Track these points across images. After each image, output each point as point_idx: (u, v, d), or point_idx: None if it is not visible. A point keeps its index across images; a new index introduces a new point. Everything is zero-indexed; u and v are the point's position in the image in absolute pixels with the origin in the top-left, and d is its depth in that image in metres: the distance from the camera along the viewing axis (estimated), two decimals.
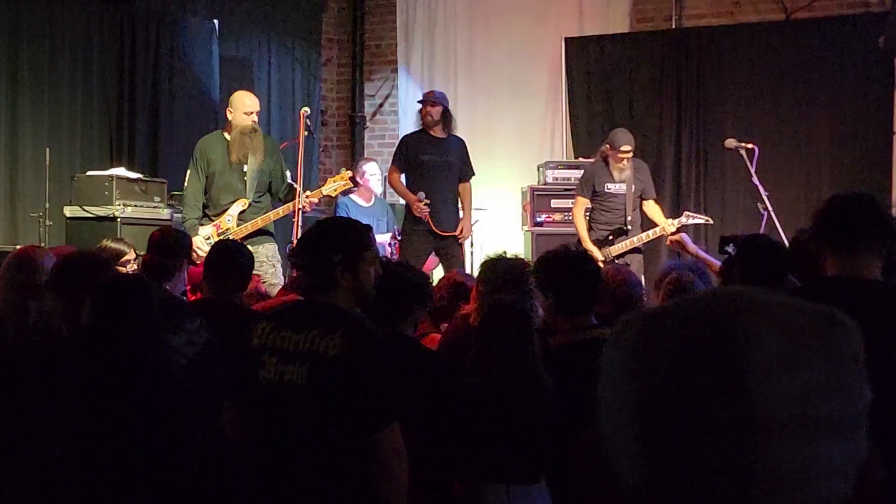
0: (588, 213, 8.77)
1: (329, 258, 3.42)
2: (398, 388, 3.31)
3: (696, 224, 8.44)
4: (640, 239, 8.53)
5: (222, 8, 10.71)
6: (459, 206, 9.10)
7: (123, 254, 6.60)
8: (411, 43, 11.60)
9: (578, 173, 9.83)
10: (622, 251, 8.47)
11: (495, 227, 10.44)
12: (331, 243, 3.48)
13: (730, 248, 4.89)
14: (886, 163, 9.14)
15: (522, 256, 4.92)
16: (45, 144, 8.92)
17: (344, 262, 3.42)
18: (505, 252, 4.81)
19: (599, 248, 8.46)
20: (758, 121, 9.71)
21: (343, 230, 3.58)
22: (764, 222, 8.34)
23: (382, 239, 8.78)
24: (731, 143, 8.67)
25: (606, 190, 8.62)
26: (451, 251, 8.82)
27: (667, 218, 8.53)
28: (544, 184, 9.84)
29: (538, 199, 9.75)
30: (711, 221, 8.52)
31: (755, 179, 8.33)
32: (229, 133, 7.94)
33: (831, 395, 0.97)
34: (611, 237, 8.57)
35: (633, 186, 8.59)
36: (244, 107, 7.88)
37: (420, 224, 8.73)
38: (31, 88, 9.15)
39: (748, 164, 8.46)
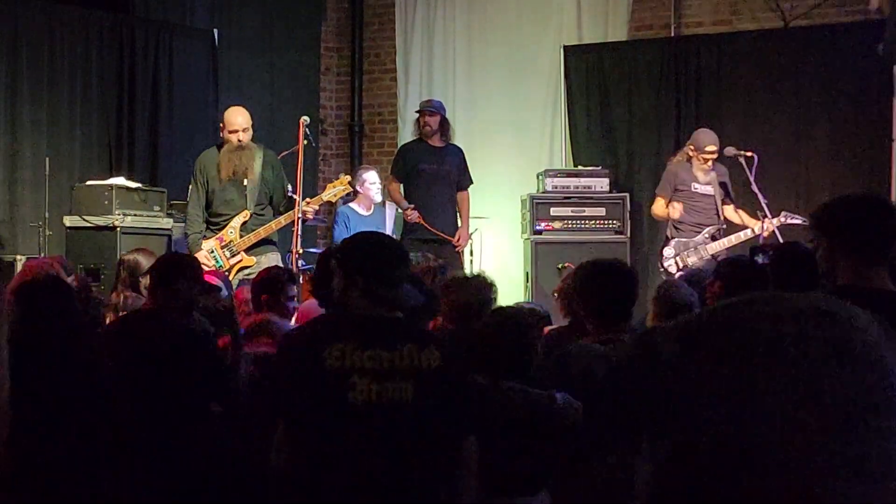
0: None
1: (402, 274, 3.51)
2: (478, 395, 3.56)
3: (794, 224, 8.28)
4: (737, 238, 8.46)
5: (221, 17, 10.72)
6: (458, 214, 9.12)
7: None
8: (410, 51, 11.61)
9: (578, 181, 9.85)
10: (718, 250, 8.42)
11: (495, 235, 10.44)
12: (401, 258, 3.57)
13: (759, 258, 4.89)
14: (885, 170, 9.14)
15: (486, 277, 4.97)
16: (45, 154, 8.91)
17: (404, 277, 3.53)
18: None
19: (694, 248, 8.43)
20: (757, 129, 9.71)
21: (399, 245, 3.75)
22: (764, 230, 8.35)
23: None
24: (730, 150, 8.67)
25: (694, 190, 8.59)
26: (448, 260, 8.81)
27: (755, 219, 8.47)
28: (544, 192, 9.83)
29: (538, 207, 9.74)
30: (808, 222, 8.41)
31: (755, 187, 8.34)
32: (223, 139, 8.00)
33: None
34: (706, 237, 8.53)
35: (718, 188, 8.59)
36: (229, 125, 7.91)
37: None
38: (31, 98, 9.15)
39: (747, 172, 8.46)
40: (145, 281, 6.48)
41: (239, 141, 7.88)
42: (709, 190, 8.58)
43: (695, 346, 1.02)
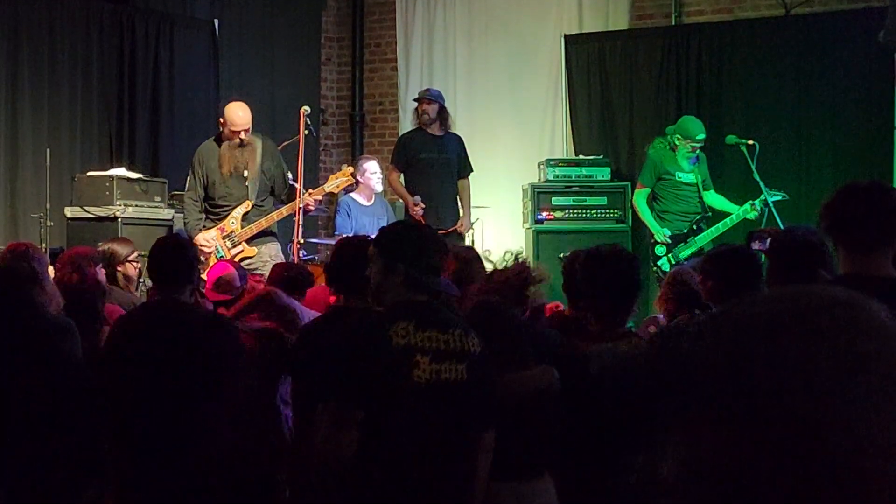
0: (652, 204, 8.73)
1: (441, 262, 3.65)
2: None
3: (774, 201, 8.33)
4: (724, 225, 8.49)
5: (222, 7, 10.71)
6: (459, 202, 9.13)
7: (132, 252, 6.62)
8: (411, 41, 11.59)
9: (579, 170, 9.85)
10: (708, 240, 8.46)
11: (496, 224, 10.44)
12: (440, 246, 3.68)
13: (756, 244, 4.87)
14: (887, 158, 9.13)
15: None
16: (46, 145, 8.91)
17: (442, 266, 3.67)
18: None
19: (684, 241, 8.45)
20: (758, 117, 9.70)
21: (437, 234, 3.86)
22: (765, 218, 8.35)
23: None
24: (731, 139, 8.68)
25: (678, 178, 8.59)
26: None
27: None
28: (545, 181, 9.83)
29: (539, 196, 9.74)
30: (787, 196, 8.44)
31: (756, 175, 8.34)
32: (223, 135, 7.98)
33: None
34: (694, 227, 8.54)
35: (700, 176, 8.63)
36: (232, 125, 7.88)
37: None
38: (31, 89, 9.14)
39: (749, 160, 8.46)
40: (123, 269, 6.49)
41: (240, 139, 7.88)
42: (692, 178, 8.60)
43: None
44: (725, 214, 8.62)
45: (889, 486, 0.90)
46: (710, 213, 8.67)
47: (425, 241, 3.62)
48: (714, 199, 8.73)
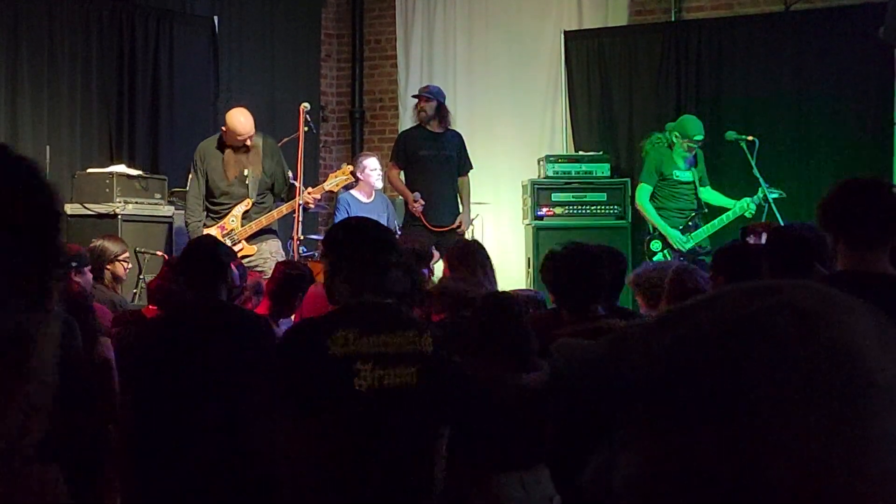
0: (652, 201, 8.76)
1: (387, 260, 3.48)
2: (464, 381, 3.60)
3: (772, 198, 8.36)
4: (720, 222, 8.51)
5: (221, 4, 10.70)
6: (459, 199, 9.14)
7: (123, 252, 6.61)
8: (410, 37, 11.59)
9: (579, 166, 9.84)
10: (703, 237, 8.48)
11: (496, 221, 10.44)
12: (386, 244, 3.53)
13: (751, 239, 4.87)
14: (887, 154, 9.13)
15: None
16: (45, 142, 8.91)
17: (392, 264, 3.49)
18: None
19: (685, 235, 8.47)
20: (758, 113, 9.70)
21: (385, 231, 3.73)
22: (765, 214, 8.35)
23: None
24: (731, 135, 8.68)
25: (675, 177, 8.61)
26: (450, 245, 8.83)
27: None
28: (545, 177, 9.83)
29: (539, 192, 9.74)
30: (784, 195, 8.46)
31: (756, 171, 8.33)
32: (226, 141, 7.96)
33: None
34: (690, 223, 8.56)
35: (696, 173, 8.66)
36: (235, 132, 7.86)
37: (418, 220, 8.78)
38: (31, 86, 9.14)
39: (748, 156, 8.46)
40: (112, 268, 6.45)
41: (246, 145, 7.89)
42: (688, 176, 8.61)
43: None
44: (722, 210, 8.63)
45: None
46: (706, 210, 8.69)
47: (369, 239, 3.50)
48: (710, 196, 8.75)
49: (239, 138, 7.85)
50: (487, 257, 5.93)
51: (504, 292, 4.23)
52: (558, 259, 4.17)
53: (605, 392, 1.01)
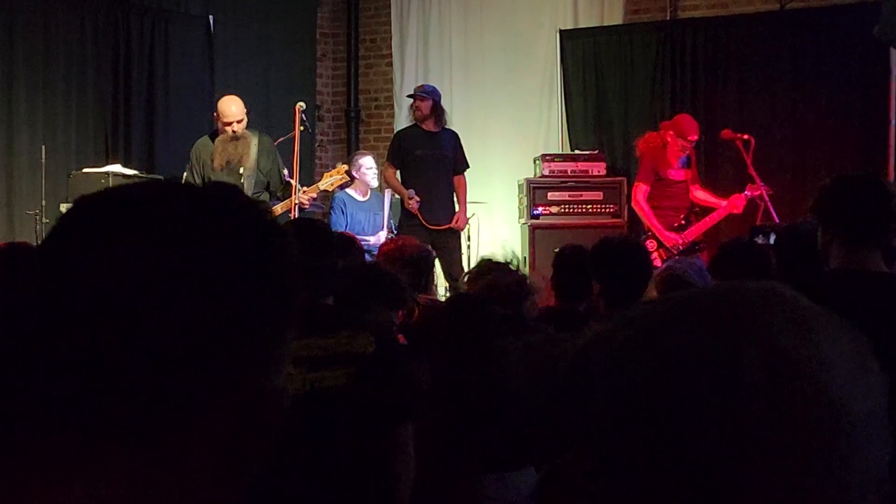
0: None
1: (326, 259, 3.43)
2: (415, 381, 3.45)
3: (754, 195, 8.41)
4: (711, 219, 8.52)
5: (216, 3, 10.70)
6: (455, 199, 9.15)
7: None
8: (406, 37, 11.59)
9: (575, 165, 9.84)
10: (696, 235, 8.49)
11: (492, 220, 10.44)
12: (330, 243, 3.51)
13: (760, 239, 4.87)
14: (883, 153, 9.14)
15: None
16: (41, 141, 8.91)
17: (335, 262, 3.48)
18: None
19: (678, 233, 8.47)
20: (753, 111, 9.70)
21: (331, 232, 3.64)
22: (760, 213, 8.36)
23: (378, 234, 8.77)
24: (726, 133, 8.68)
25: (670, 177, 8.61)
26: (448, 244, 8.86)
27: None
28: (541, 176, 9.83)
29: (535, 191, 9.74)
30: (772, 191, 8.47)
31: (751, 170, 8.34)
32: (217, 128, 8.01)
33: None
34: (683, 222, 8.57)
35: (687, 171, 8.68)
36: (224, 116, 7.91)
37: (415, 218, 8.78)
38: (26, 85, 9.13)
39: (744, 154, 8.46)
40: None
41: (234, 131, 7.89)
42: (681, 175, 8.63)
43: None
44: (712, 209, 8.65)
45: None
46: (697, 209, 8.70)
47: (299, 241, 3.45)
48: (699, 194, 8.77)
49: (227, 122, 7.87)
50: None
51: (471, 291, 4.22)
52: (609, 251, 4.15)
53: (562, 417, 0.91)
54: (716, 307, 0.85)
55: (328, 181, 8.16)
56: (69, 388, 0.87)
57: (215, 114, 8.04)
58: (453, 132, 9.28)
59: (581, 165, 9.85)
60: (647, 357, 0.83)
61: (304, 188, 8.00)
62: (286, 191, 8.00)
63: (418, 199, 8.80)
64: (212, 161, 7.93)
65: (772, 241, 5.59)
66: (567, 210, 9.70)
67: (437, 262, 7.79)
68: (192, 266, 0.87)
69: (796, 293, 0.87)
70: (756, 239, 5.56)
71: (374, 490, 3.32)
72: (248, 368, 0.92)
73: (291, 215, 7.85)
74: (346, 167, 8.44)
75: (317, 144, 11.71)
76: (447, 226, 8.89)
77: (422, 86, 9.50)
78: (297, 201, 7.81)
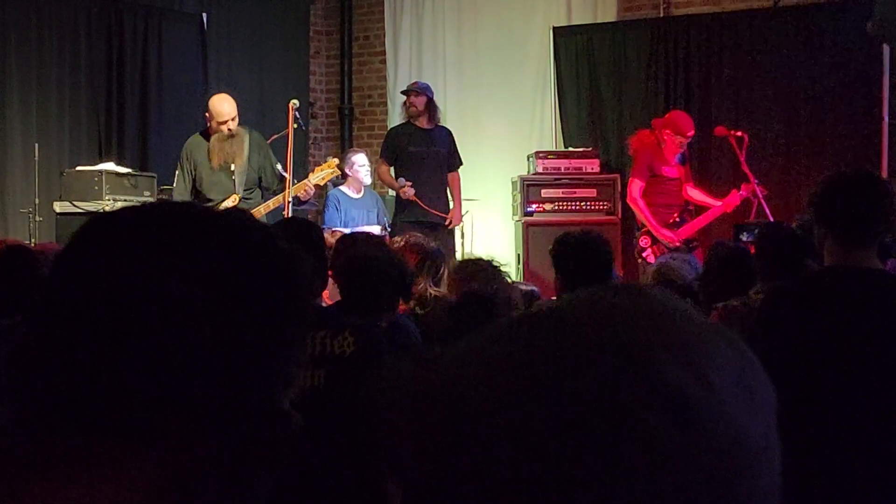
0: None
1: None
2: None
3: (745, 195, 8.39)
4: (706, 217, 8.53)
5: (210, 1, 10.69)
6: (449, 195, 9.15)
7: None
8: (399, 34, 11.58)
9: (569, 162, 9.84)
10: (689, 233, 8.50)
11: (486, 217, 10.44)
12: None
13: (744, 237, 4.88)
14: (876, 150, 9.14)
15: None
16: (34, 140, 8.89)
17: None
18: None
19: (673, 231, 8.48)
20: (747, 108, 9.71)
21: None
22: (754, 210, 8.36)
23: (372, 231, 8.76)
24: (720, 130, 8.68)
25: (664, 174, 8.60)
26: (442, 242, 8.82)
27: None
28: (534, 174, 9.83)
29: (529, 188, 9.74)
30: (766, 191, 8.46)
31: (745, 167, 8.34)
32: (210, 128, 7.99)
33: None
34: (677, 219, 8.57)
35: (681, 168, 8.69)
36: (218, 115, 7.89)
37: (409, 215, 8.76)
38: (19, 83, 9.12)
39: (738, 151, 8.47)
40: None
41: (229, 129, 7.88)
42: (675, 173, 8.63)
43: None
44: (706, 207, 8.65)
45: None
46: (691, 207, 8.70)
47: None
48: (693, 193, 8.77)
49: (221, 121, 7.86)
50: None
51: (477, 288, 4.23)
52: (567, 245, 4.30)
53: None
54: (599, 339, 0.72)
55: (318, 175, 8.15)
56: (75, 390, 0.88)
57: (207, 114, 8.02)
58: (447, 129, 9.27)
59: (575, 162, 9.85)
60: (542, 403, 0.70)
61: (296, 184, 8.00)
62: (282, 186, 8.01)
63: (410, 183, 8.78)
64: (209, 160, 7.92)
65: None
66: (561, 207, 9.70)
67: None
68: (202, 281, 0.91)
69: (664, 295, 0.76)
70: (741, 237, 5.57)
71: (355, 491, 3.30)
72: (253, 380, 0.93)
73: (284, 213, 7.85)
74: (336, 161, 8.45)
75: (310, 142, 11.70)
76: (441, 223, 8.88)
77: (415, 83, 9.50)
78: (290, 198, 7.81)
